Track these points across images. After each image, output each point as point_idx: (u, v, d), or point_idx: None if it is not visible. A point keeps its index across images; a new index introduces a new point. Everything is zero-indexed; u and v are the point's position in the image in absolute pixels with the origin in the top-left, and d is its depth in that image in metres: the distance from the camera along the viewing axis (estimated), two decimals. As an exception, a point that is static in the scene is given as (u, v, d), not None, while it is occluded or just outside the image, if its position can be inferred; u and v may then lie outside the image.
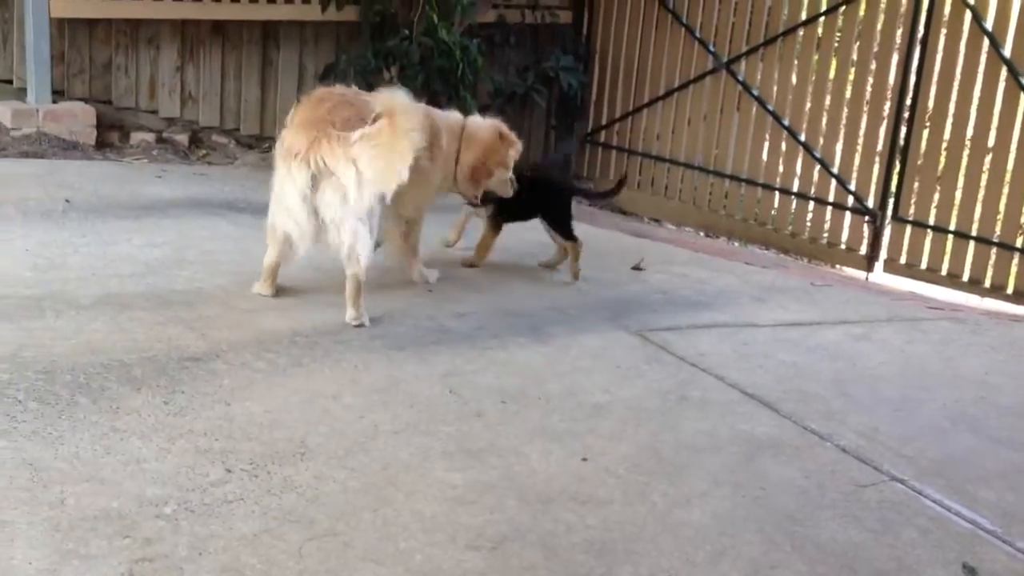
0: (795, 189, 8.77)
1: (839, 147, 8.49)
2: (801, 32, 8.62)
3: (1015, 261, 7.54)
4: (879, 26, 8.21)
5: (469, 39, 8.18)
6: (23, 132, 7.43)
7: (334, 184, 4.51)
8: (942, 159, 7.98)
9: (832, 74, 8.61)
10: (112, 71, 8.06)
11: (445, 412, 3.91)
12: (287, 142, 4.63)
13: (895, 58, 8.13)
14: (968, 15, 7.61)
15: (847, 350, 5.19)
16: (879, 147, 8.26)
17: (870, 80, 8.31)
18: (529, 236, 6.27)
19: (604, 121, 9.99)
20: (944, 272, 7.90)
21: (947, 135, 7.89)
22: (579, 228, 7.26)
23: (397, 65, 8.05)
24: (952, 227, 7.86)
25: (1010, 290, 7.54)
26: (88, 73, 7.99)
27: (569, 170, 10.12)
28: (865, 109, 8.34)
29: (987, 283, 7.66)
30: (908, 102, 8.03)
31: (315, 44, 8.78)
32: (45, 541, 2.80)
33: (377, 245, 5.14)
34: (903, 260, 8.14)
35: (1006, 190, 7.58)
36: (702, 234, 9.31)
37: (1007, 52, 7.43)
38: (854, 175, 8.40)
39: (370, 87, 7.71)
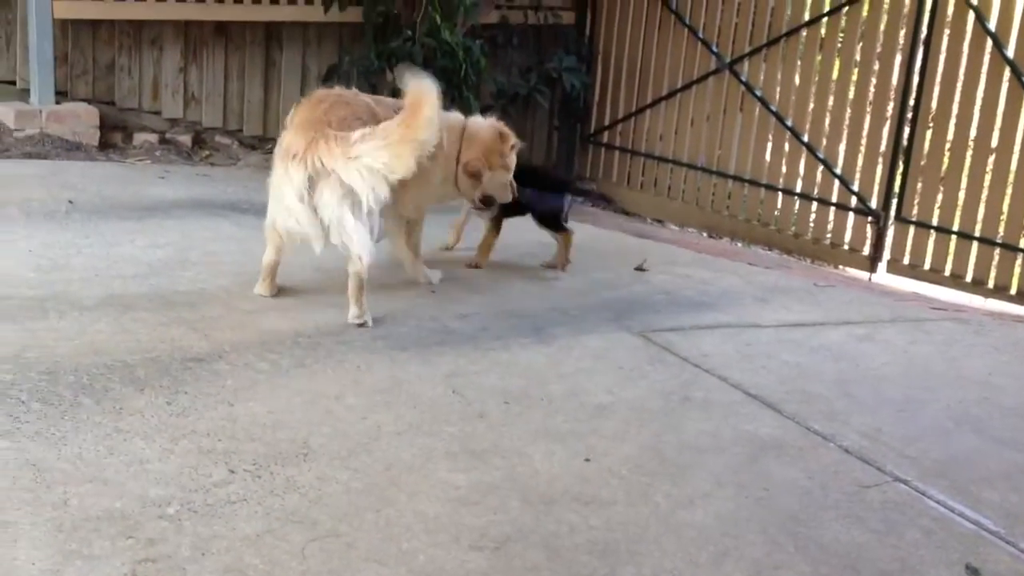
0: (798, 190, 8.76)
1: (842, 148, 8.48)
2: (804, 32, 8.62)
3: (1018, 262, 7.53)
4: (882, 26, 8.20)
5: (472, 40, 8.19)
6: (26, 133, 7.44)
7: (332, 184, 4.51)
8: (945, 159, 7.97)
9: (835, 74, 8.60)
10: (115, 72, 8.07)
11: (448, 413, 3.91)
12: (285, 143, 4.66)
13: (898, 58, 8.12)
14: (971, 16, 7.60)
15: (850, 351, 5.18)
16: (882, 147, 8.25)
17: (873, 80, 8.31)
18: (530, 236, 6.27)
19: (607, 122, 9.99)
20: (947, 273, 7.89)
21: (950, 135, 7.88)
22: (582, 228, 7.28)
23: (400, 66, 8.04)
24: (955, 228, 7.84)
25: (1014, 291, 7.53)
26: (91, 74, 8.00)
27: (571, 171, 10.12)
28: (868, 109, 8.34)
29: (990, 284, 7.65)
30: (911, 102, 8.02)
31: (318, 45, 8.79)
32: (48, 542, 2.80)
33: (377, 241, 5.13)
34: (906, 261, 8.13)
35: (1009, 190, 7.56)
36: (705, 235, 9.30)
37: (1010, 53, 7.42)
38: (857, 176, 8.39)
39: (373, 88, 7.79)
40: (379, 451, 3.55)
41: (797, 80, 8.72)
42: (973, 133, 7.73)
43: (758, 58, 8.87)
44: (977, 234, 7.70)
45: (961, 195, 7.85)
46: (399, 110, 5.15)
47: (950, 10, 7.74)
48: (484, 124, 5.48)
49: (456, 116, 5.49)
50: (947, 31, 7.79)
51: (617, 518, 3.31)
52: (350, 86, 5.37)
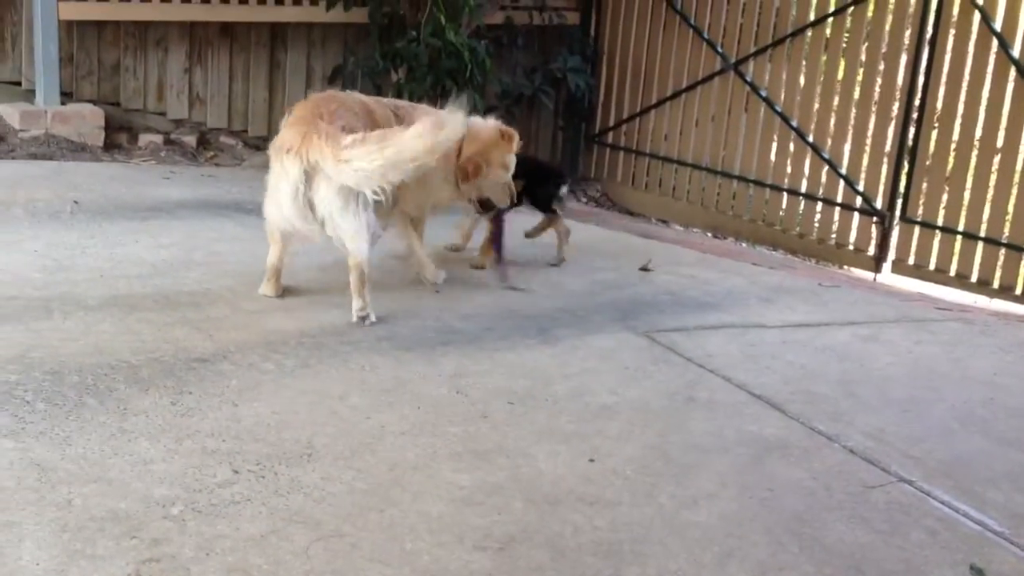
0: (803, 190, 8.76)
1: (847, 148, 8.47)
2: (809, 33, 8.62)
3: (1024, 262, 7.53)
4: (887, 27, 8.20)
5: (477, 40, 8.19)
6: (31, 134, 7.46)
7: (327, 178, 4.54)
8: (951, 160, 7.96)
9: (840, 75, 8.59)
10: (120, 73, 8.09)
11: (452, 413, 3.91)
12: (279, 139, 4.71)
13: (903, 59, 8.11)
14: (977, 16, 7.59)
15: (855, 351, 5.17)
16: (887, 148, 8.24)
17: (878, 81, 8.29)
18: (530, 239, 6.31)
19: (612, 122, 9.98)
20: (953, 273, 7.88)
21: (956, 136, 7.87)
22: (587, 229, 7.30)
23: (405, 66, 8.06)
24: (961, 228, 7.84)
25: (1019, 291, 7.52)
26: (96, 75, 8.02)
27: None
28: (873, 110, 8.33)
29: (996, 284, 7.64)
30: (917, 103, 8.01)
31: (323, 46, 8.80)
32: (52, 541, 2.80)
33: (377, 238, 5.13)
34: (911, 261, 8.13)
35: (1015, 190, 7.55)
36: (710, 235, 9.30)
37: (1016, 52, 7.41)
38: (862, 176, 8.38)
39: (378, 89, 7.81)
40: (383, 451, 3.55)
41: (802, 80, 8.71)
42: (978, 133, 7.72)
43: (763, 58, 8.86)
44: (982, 234, 7.69)
45: (966, 195, 7.84)
46: (397, 109, 5.20)
47: (955, 10, 7.73)
48: (485, 123, 5.48)
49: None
50: (952, 31, 7.78)
51: (621, 518, 3.31)
52: (355, 87, 5.38)
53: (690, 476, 3.65)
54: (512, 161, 5.46)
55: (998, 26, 7.49)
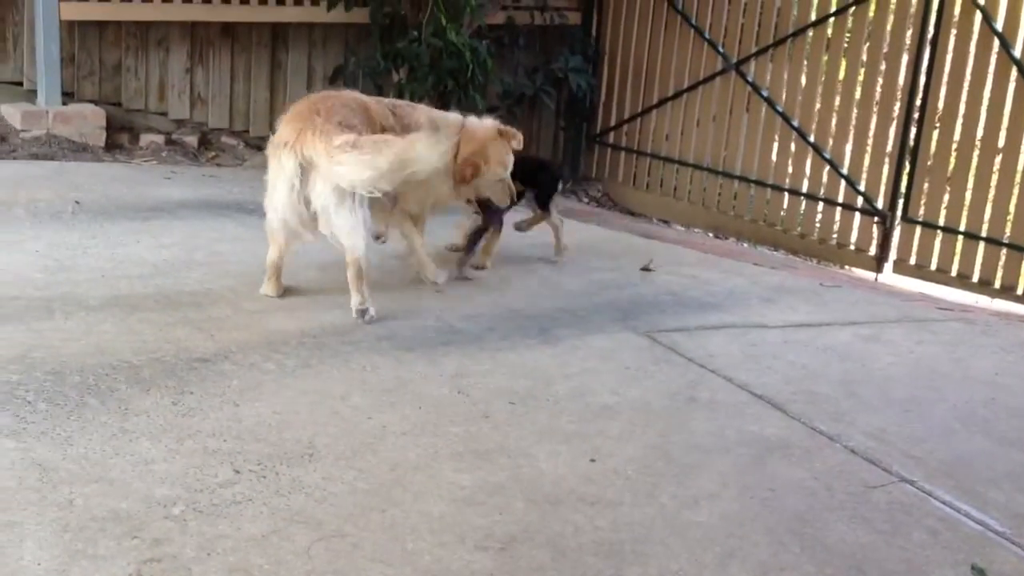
0: (804, 190, 8.75)
1: (849, 148, 8.46)
2: (811, 33, 8.61)
3: (1026, 262, 7.52)
4: (889, 27, 8.19)
5: (478, 40, 8.18)
6: (33, 134, 7.46)
7: (323, 173, 4.57)
8: (952, 160, 7.95)
9: (842, 75, 8.58)
10: (122, 73, 8.09)
11: (453, 413, 3.91)
12: (277, 134, 4.75)
13: (905, 59, 8.10)
14: (978, 15, 7.59)
15: (856, 351, 5.17)
16: (889, 148, 8.23)
17: (880, 81, 8.29)
18: (533, 237, 6.30)
19: (613, 122, 9.98)
20: (954, 273, 7.87)
21: (957, 136, 7.86)
22: (588, 229, 7.30)
23: (406, 67, 8.06)
24: (962, 228, 7.83)
25: (1020, 291, 7.50)
26: (98, 75, 8.02)
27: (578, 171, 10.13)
28: (875, 110, 8.32)
29: (997, 284, 7.63)
30: (918, 103, 8.00)
31: (324, 46, 8.80)
32: (54, 541, 2.81)
33: (376, 238, 5.15)
34: (913, 261, 8.12)
35: (1016, 190, 7.54)
36: (711, 235, 9.30)
37: (1017, 52, 7.41)
38: (864, 176, 8.37)
39: (379, 89, 7.81)
40: (384, 451, 3.55)
41: (803, 80, 8.71)
42: (980, 133, 7.71)
43: (764, 58, 8.86)
44: (984, 234, 7.68)
45: (968, 195, 7.83)
46: (395, 109, 5.22)
47: (957, 10, 7.72)
48: (482, 122, 5.49)
49: (454, 115, 5.49)
50: (954, 31, 7.77)
51: (623, 518, 3.31)
52: (357, 87, 5.39)
53: (691, 476, 3.65)
54: (510, 160, 5.45)
55: (999, 26, 7.49)
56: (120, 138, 7.92)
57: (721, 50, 9.08)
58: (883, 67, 8.29)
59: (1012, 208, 7.58)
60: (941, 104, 7.93)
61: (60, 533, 2.85)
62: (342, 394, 3.94)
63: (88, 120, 7.67)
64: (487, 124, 5.47)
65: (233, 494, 3.16)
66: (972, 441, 4.24)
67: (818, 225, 8.72)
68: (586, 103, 9.95)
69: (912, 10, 8.02)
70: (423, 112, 5.35)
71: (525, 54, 9.54)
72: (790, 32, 8.68)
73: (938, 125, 7.99)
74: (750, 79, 8.92)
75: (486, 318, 5.01)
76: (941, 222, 7.95)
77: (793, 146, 8.79)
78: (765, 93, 8.84)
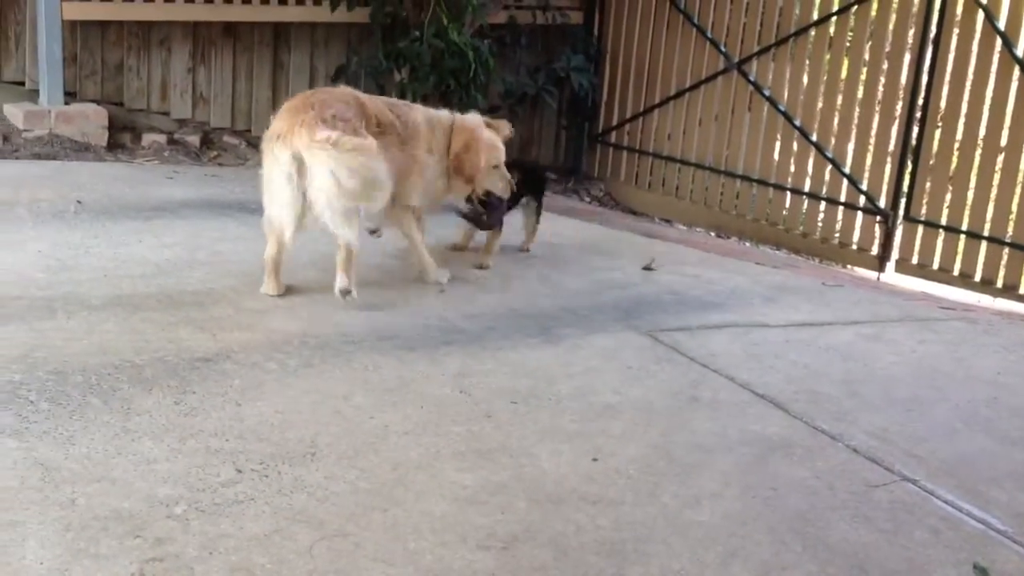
0: (806, 189, 8.75)
1: (851, 147, 8.46)
2: (813, 32, 8.60)
3: (1028, 261, 7.51)
4: (891, 26, 8.18)
5: (480, 40, 8.19)
6: (35, 134, 7.47)
7: (309, 165, 4.64)
8: (954, 159, 7.95)
9: (844, 74, 8.58)
10: (124, 73, 8.10)
11: (455, 412, 3.91)
12: (271, 128, 4.80)
13: (907, 58, 8.10)
14: (980, 14, 7.58)
15: (858, 350, 5.17)
16: (891, 147, 8.23)
17: (882, 80, 8.29)
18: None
19: (615, 121, 9.98)
20: (956, 272, 7.87)
21: (959, 135, 7.85)
22: (590, 228, 7.31)
23: (408, 66, 8.06)
24: (964, 227, 7.83)
25: (1022, 290, 7.50)
26: (100, 75, 8.03)
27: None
28: (877, 109, 8.32)
29: (999, 283, 7.63)
30: (920, 102, 8.00)
31: (326, 46, 8.80)
32: (56, 541, 2.81)
33: (372, 232, 5.16)
34: (915, 260, 8.12)
35: (1019, 190, 7.55)
36: (713, 234, 9.29)
37: (1020, 52, 7.40)
38: (866, 175, 8.37)
39: (381, 89, 7.81)
40: (386, 451, 3.55)
41: (806, 80, 8.71)
42: (982, 132, 7.71)
43: (767, 58, 8.85)
44: (986, 233, 7.68)
45: (970, 194, 7.83)
46: (393, 107, 5.26)
47: (959, 9, 7.72)
48: (471, 117, 5.58)
49: (444, 113, 5.53)
50: (956, 30, 7.77)
51: (625, 518, 3.31)
52: (359, 87, 5.41)
53: (693, 475, 3.65)
54: (502, 149, 5.53)
55: (1002, 25, 7.48)
56: (122, 138, 7.93)
57: (723, 49, 9.08)
58: (885, 66, 8.29)
59: (1014, 207, 7.58)
60: (943, 103, 7.92)
61: (62, 532, 2.85)
62: (344, 394, 3.95)
63: (90, 120, 7.68)
64: (476, 117, 5.59)
65: (235, 493, 3.16)
66: (974, 440, 4.24)
67: (820, 224, 8.72)
68: (588, 102, 9.95)
69: (914, 9, 8.01)
70: (420, 111, 5.41)
71: (527, 53, 9.53)
72: (792, 31, 8.68)
73: (940, 124, 7.99)
74: (752, 78, 8.92)
75: (488, 317, 5.01)
76: (943, 221, 7.95)
77: (795, 145, 8.79)
78: (767, 92, 8.83)
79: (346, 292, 4.85)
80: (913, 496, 3.69)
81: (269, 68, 8.63)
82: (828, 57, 8.64)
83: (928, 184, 8.05)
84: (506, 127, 5.66)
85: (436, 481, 3.39)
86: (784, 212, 8.91)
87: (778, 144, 8.89)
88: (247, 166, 7.98)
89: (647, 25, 9.62)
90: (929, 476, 3.85)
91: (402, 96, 7.39)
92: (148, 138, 7.99)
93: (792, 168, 8.84)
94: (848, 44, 8.59)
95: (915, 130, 8.05)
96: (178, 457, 3.33)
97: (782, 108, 8.75)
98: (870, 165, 8.36)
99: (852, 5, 8.34)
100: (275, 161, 4.69)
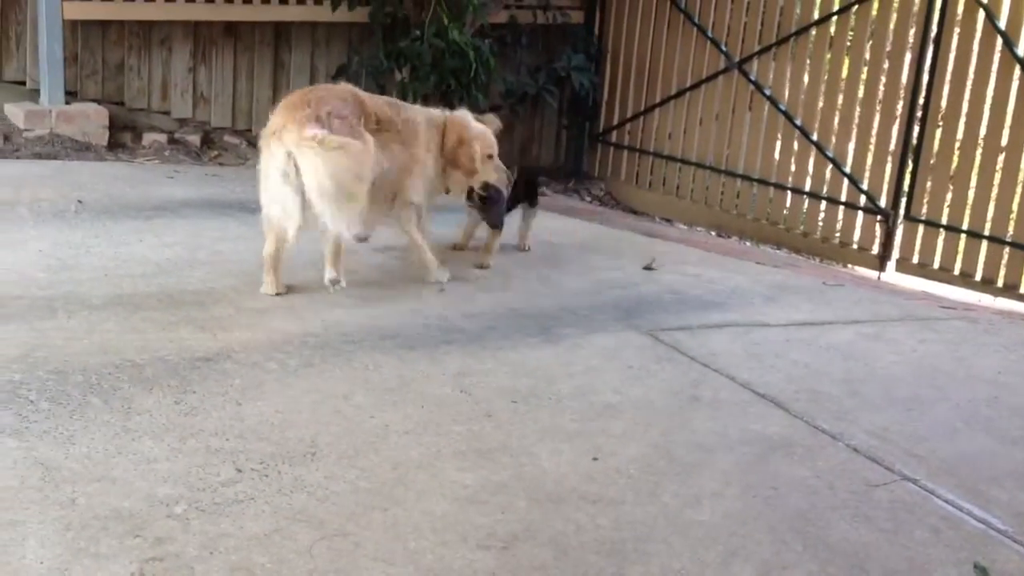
0: (807, 188, 8.74)
1: (851, 146, 8.45)
2: (813, 31, 8.59)
3: (1029, 260, 7.51)
4: (892, 25, 8.17)
5: (481, 39, 8.18)
6: (36, 133, 7.47)
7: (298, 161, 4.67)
8: (955, 158, 7.94)
9: (845, 73, 8.58)
10: (125, 72, 8.10)
11: (456, 412, 3.91)
12: (268, 124, 4.83)
13: (908, 57, 8.09)
14: (981, 14, 7.57)
15: (859, 350, 5.17)
16: (892, 146, 8.22)
17: (883, 79, 8.28)
18: (534, 237, 6.31)
19: (616, 121, 9.97)
20: (957, 272, 7.86)
21: (960, 134, 7.84)
22: (591, 228, 7.31)
23: (409, 66, 8.06)
24: (965, 226, 7.82)
25: (1023, 289, 7.50)
26: (101, 74, 8.03)
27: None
28: (878, 108, 8.31)
29: (1000, 283, 7.63)
30: (921, 101, 7.99)
31: (327, 45, 8.80)
32: (56, 540, 2.81)
33: (362, 240, 5.16)
34: (915, 260, 8.11)
35: (1019, 189, 7.54)
36: (714, 234, 9.29)
37: (1020, 51, 7.39)
38: (866, 174, 8.36)
39: (382, 88, 7.81)
40: (387, 450, 3.55)
41: (806, 79, 8.70)
42: (983, 131, 7.70)
43: (767, 57, 8.85)
44: (987, 233, 7.67)
45: (971, 194, 7.82)
46: (393, 105, 5.29)
47: (960, 8, 7.71)
48: (461, 113, 5.62)
49: (437, 111, 5.57)
50: (957, 29, 7.76)
51: (625, 517, 3.31)
52: (359, 86, 5.41)
53: (694, 475, 3.65)
54: (494, 141, 5.56)
55: (1003, 24, 7.48)
56: (123, 137, 7.93)
57: (724, 49, 9.08)
58: (886, 65, 8.28)
59: (1015, 207, 7.57)
60: (944, 103, 7.91)
61: (62, 532, 2.85)
62: (344, 393, 3.95)
63: (91, 119, 7.68)
64: (465, 112, 5.65)
65: (235, 493, 3.16)
66: (975, 440, 4.24)
67: (821, 224, 8.72)
68: (589, 102, 9.94)
69: (915, 8, 8.00)
70: (418, 110, 5.49)
71: (528, 53, 9.53)
72: (793, 31, 8.67)
73: (941, 124, 7.98)
74: (753, 78, 8.91)
75: (488, 317, 5.01)
76: (944, 221, 7.94)
77: (796, 145, 8.78)
78: (768, 92, 8.83)
79: (335, 282, 4.96)
80: (913, 495, 3.69)
81: (270, 68, 8.63)
82: (829, 56, 8.63)
83: (929, 183, 8.04)
84: (495, 121, 5.71)
85: (436, 480, 3.39)
86: (785, 211, 8.90)
87: (779, 143, 8.89)
88: (248, 166, 7.97)
89: (648, 24, 9.61)
90: (929, 475, 3.85)
91: (403, 96, 7.39)
92: (149, 138, 8.00)
93: (793, 167, 8.83)
94: (849, 43, 8.59)
95: (916, 129, 8.03)
96: (178, 456, 3.33)
97: (783, 107, 8.75)
98: (871, 164, 8.36)
99: (853, 4, 8.33)
100: (271, 158, 4.70)
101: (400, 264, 5.58)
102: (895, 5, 8.13)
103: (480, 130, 5.52)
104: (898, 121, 8.19)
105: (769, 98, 8.82)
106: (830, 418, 4.26)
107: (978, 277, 7.74)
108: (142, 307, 4.57)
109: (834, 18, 8.52)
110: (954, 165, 7.96)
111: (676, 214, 9.60)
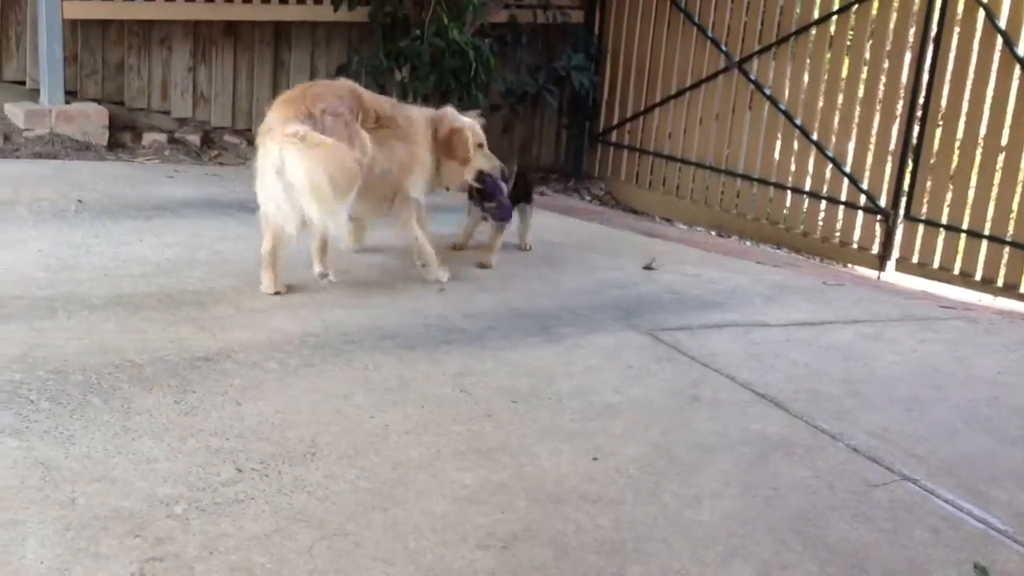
0: (807, 188, 8.75)
1: (851, 146, 8.46)
2: (814, 31, 8.59)
3: (1029, 260, 7.51)
4: (892, 24, 8.17)
5: (481, 39, 8.18)
6: (36, 133, 7.47)
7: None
8: (955, 158, 7.94)
9: (845, 73, 8.58)
10: (124, 72, 8.10)
11: (456, 412, 3.91)
12: (265, 121, 4.86)
13: (908, 57, 8.09)
14: (981, 13, 7.57)
15: (859, 349, 5.17)
16: (892, 146, 8.22)
17: (883, 79, 8.28)
18: (534, 236, 6.31)
19: (616, 120, 9.98)
20: (956, 271, 7.86)
21: (960, 134, 7.85)
22: (591, 227, 7.31)
23: (409, 65, 8.06)
24: (965, 226, 7.82)
25: (1023, 289, 7.50)
26: (101, 74, 8.03)
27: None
28: (878, 108, 8.31)
29: (1000, 282, 7.63)
30: (921, 101, 7.99)
31: (327, 45, 8.80)
32: (56, 540, 2.81)
33: (323, 276, 5.15)
34: (915, 259, 8.11)
35: (1019, 188, 7.54)
36: (714, 233, 9.29)
37: (1020, 51, 7.39)
38: (866, 174, 8.37)
39: (382, 88, 7.81)
40: (387, 450, 3.55)
41: (806, 79, 8.70)
42: (983, 131, 7.70)
43: (767, 57, 8.85)
44: (986, 232, 7.68)
45: (971, 193, 7.82)
46: (392, 104, 5.31)
47: (960, 8, 7.71)
48: (447, 109, 5.69)
49: (423, 110, 5.66)
50: (957, 29, 7.76)
51: (625, 517, 3.31)
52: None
53: (694, 475, 3.65)
54: (481, 132, 5.62)
55: (1003, 24, 7.48)
56: (123, 137, 7.93)
57: (724, 48, 9.08)
58: (886, 65, 8.28)
59: (1015, 206, 7.58)
60: (944, 102, 7.91)
61: (62, 532, 2.85)
62: (344, 393, 3.95)
63: (91, 119, 7.68)
64: (450, 108, 5.72)
65: (235, 493, 3.16)
66: (974, 440, 4.24)
67: (821, 223, 8.72)
68: (589, 101, 9.94)
69: (915, 8, 8.00)
70: (415, 109, 5.59)
71: (528, 52, 9.53)
72: (793, 30, 8.68)
73: (941, 123, 7.98)
74: (753, 77, 8.92)
75: (488, 317, 5.01)
76: (944, 220, 7.94)
77: (796, 144, 8.78)
78: (768, 91, 8.83)
79: (323, 275, 5.02)
80: (913, 495, 3.69)
81: (270, 67, 8.63)
82: (829, 56, 8.63)
83: (929, 183, 8.04)
84: (478, 118, 5.76)
85: (436, 480, 3.39)
86: (785, 211, 8.91)
87: (779, 143, 8.89)
88: (248, 165, 7.93)
89: (648, 24, 9.61)
90: (929, 475, 3.85)
91: (403, 95, 7.40)
92: (149, 137, 8.00)
93: (793, 167, 8.83)
94: (849, 43, 8.59)
95: (916, 129, 8.04)
96: (178, 456, 3.33)
97: (783, 107, 8.75)
98: (871, 164, 8.36)
99: (853, 4, 8.33)
100: (266, 155, 4.70)
101: (400, 264, 5.58)
102: (895, 5, 8.13)
103: (469, 121, 5.61)
104: (898, 121, 8.19)
105: (769, 98, 8.82)
106: (830, 418, 4.26)
107: (978, 277, 7.74)
108: (142, 307, 4.57)
109: (834, 18, 8.52)
110: (954, 165, 7.96)
111: (676, 214, 9.61)
